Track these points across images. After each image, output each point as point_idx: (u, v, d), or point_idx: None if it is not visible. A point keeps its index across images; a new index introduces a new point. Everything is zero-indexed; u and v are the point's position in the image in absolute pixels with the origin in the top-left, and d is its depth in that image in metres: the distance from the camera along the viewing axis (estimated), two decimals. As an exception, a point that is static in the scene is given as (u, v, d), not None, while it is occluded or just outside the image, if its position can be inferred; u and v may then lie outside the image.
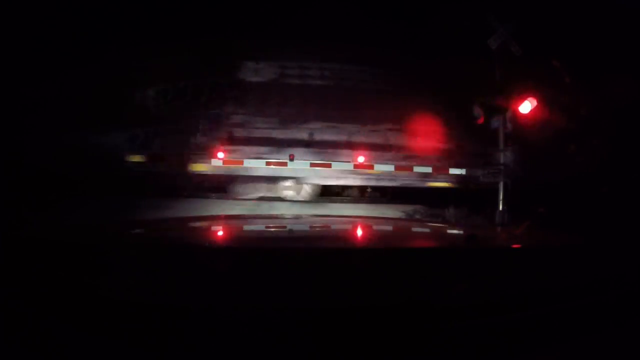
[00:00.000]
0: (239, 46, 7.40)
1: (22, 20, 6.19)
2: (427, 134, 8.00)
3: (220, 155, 8.27)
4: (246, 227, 2.03)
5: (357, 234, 1.89)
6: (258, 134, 8.15)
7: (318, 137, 8.22)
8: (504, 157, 7.12)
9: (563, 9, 6.40)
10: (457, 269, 1.00)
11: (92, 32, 6.56)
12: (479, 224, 6.34)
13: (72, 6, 6.35)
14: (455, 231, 2.23)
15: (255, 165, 8.42)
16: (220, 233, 1.79)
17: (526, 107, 6.85)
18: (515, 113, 6.97)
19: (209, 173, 8.14)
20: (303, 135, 8.18)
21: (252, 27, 6.96)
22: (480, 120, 7.10)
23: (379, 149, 8.29)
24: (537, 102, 6.77)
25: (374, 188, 9.29)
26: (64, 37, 6.28)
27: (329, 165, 8.53)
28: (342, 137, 8.32)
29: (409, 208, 7.94)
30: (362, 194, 9.61)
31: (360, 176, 8.63)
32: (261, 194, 8.74)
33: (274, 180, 8.67)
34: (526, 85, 6.83)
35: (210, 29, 6.88)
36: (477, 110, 7.15)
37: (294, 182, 8.77)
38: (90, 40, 6.46)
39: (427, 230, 2.22)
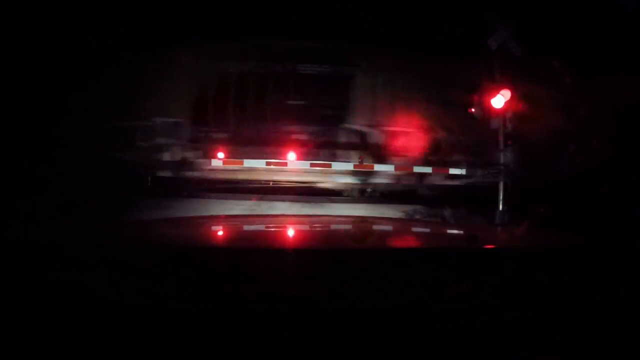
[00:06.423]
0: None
1: (23, 21, 6.19)
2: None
3: (220, 155, 8.27)
4: (246, 227, 2.03)
5: (357, 234, 1.89)
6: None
7: None
8: (504, 157, 7.10)
9: (562, 8, 6.39)
10: (457, 269, 1.00)
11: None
12: (479, 223, 6.33)
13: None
14: (455, 231, 2.23)
15: (256, 165, 8.42)
16: (220, 233, 1.79)
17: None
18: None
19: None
20: None
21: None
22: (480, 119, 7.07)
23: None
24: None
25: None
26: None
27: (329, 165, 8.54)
28: None
29: (409, 208, 7.93)
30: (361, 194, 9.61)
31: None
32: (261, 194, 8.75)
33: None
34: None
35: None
36: (477, 110, 7.14)
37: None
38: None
39: (427, 230, 2.22)
